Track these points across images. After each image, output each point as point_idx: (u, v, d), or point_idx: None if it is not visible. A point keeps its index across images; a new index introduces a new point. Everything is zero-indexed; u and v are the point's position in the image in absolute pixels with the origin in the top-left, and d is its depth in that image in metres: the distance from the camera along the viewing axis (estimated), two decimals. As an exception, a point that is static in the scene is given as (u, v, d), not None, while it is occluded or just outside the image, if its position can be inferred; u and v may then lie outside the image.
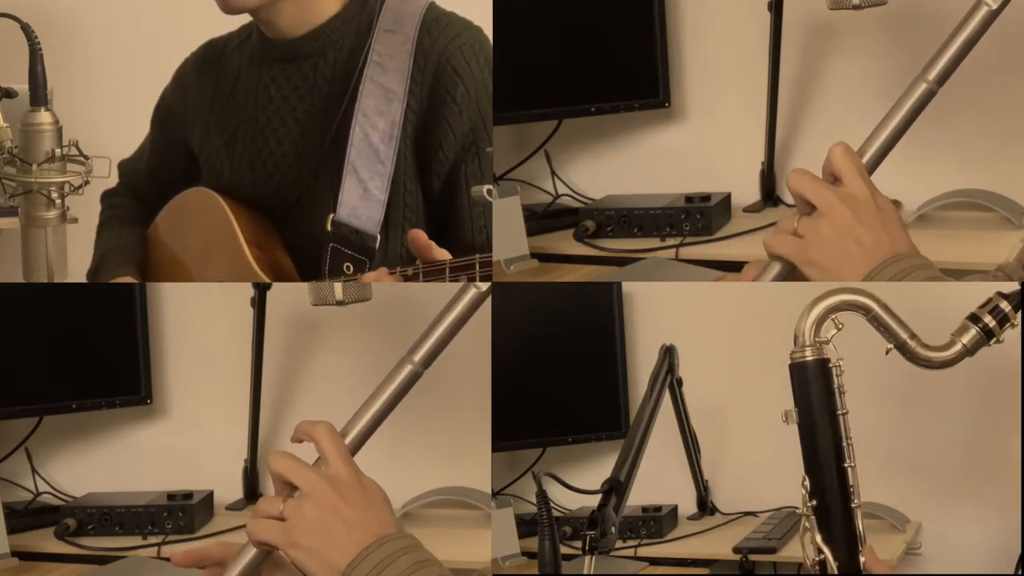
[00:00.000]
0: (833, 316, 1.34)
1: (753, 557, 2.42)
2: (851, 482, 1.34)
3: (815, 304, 1.34)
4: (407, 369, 1.32)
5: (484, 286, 1.33)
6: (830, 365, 1.34)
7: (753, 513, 2.64)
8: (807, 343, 1.34)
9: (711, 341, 2.65)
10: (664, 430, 2.45)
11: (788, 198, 2.65)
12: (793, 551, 2.43)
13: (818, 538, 1.34)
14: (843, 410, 1.34)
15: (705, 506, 2.68)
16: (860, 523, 1.34)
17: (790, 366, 1.35)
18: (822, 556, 1.33)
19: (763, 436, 2.67)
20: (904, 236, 1.32)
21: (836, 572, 1.32)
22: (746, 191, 2.68)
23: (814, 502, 1.34)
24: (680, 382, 2.46)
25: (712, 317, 2.66)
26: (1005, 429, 2.45)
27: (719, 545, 2.51)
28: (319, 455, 1.28)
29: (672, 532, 2.61)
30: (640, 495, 2.29)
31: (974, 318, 1.35)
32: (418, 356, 1.32)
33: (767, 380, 2.66)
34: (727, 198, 2.65)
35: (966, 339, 1.35)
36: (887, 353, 1.35)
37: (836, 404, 1.34)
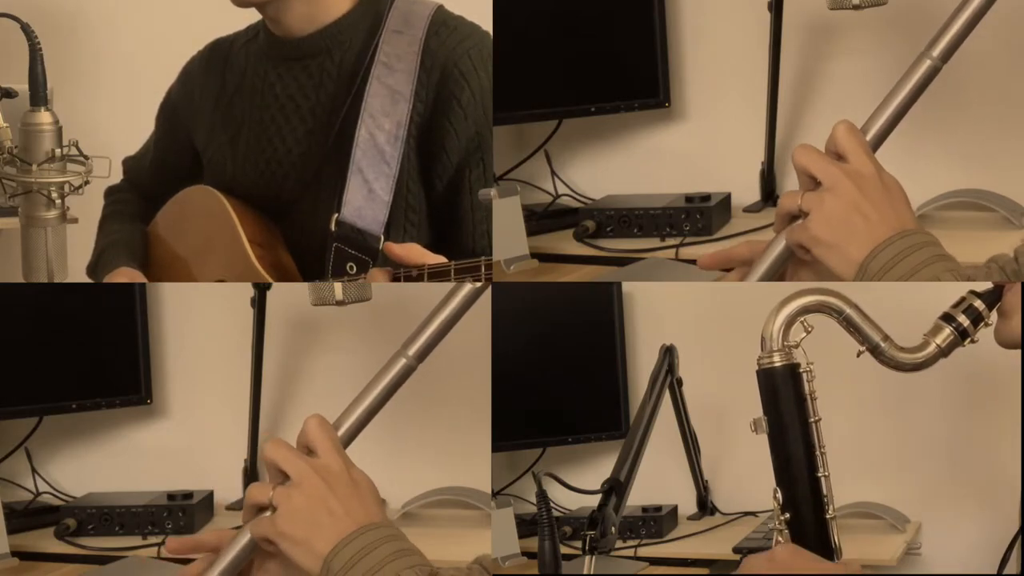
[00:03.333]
0: (802, 319, 1.30)
1: (753, 557, 2.42)
2: (825, 492, 1.30)
3: (783, 306, 1.30)
4: (401, 363, 1.33)
5: (479, 281, 1.34)
6: (800, 370, 1.31)
7: (753, 513, 2.64)
8: (775, 347, 1.30)
9: (711, 341, 2.65)
10: (664, 430, 2.45)
11: (788, 198, 2.65)
12: (793, 551, 2.43)
13: None
14: (815, 417, 1.30)
15: (705, 506, 2.68)
16: (835, 535, 1.31)
17: (757, 372, 1.32)
18: None
19: (763, 436, 2.67)
20: (910, 213, 1.30)
21: None
22: (746, 191, 2.68)
23: (787, 515, 1.30)
24: (680, 382, 2.46)
25: (712, 317, 2.66)
26: (1005, 429, 2.45)
27: (719, 545, 2.51)
28: (310, 446, 1.29)
29: (672, 532, 2.61)
30: (640, 495, 2.30)
31: (947, 318, 1.32)
32: (412, 350, 1.33)
33: (767, 380, 2.67)
34: (727, 198, 2.65)
35: (940, 339, 1.31)
36: (858, 356, 1.32)
37: (808, 411, 1.30)
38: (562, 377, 2.69)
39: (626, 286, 2.70)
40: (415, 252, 1.68)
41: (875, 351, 1.31)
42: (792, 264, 1.35)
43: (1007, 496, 2.43)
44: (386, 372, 1.33)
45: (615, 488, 1.96)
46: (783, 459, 1.31)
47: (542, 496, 1.89)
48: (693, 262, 2.51)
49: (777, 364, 1.30)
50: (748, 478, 2.67)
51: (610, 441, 2.67)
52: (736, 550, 2.44)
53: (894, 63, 2.49)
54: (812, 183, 1.31)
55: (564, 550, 2.15)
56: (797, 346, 1.30)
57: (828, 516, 1.30)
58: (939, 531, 2.54)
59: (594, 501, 1.96)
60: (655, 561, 2.51)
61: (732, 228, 2.61)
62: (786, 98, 2.63)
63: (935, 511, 2.54)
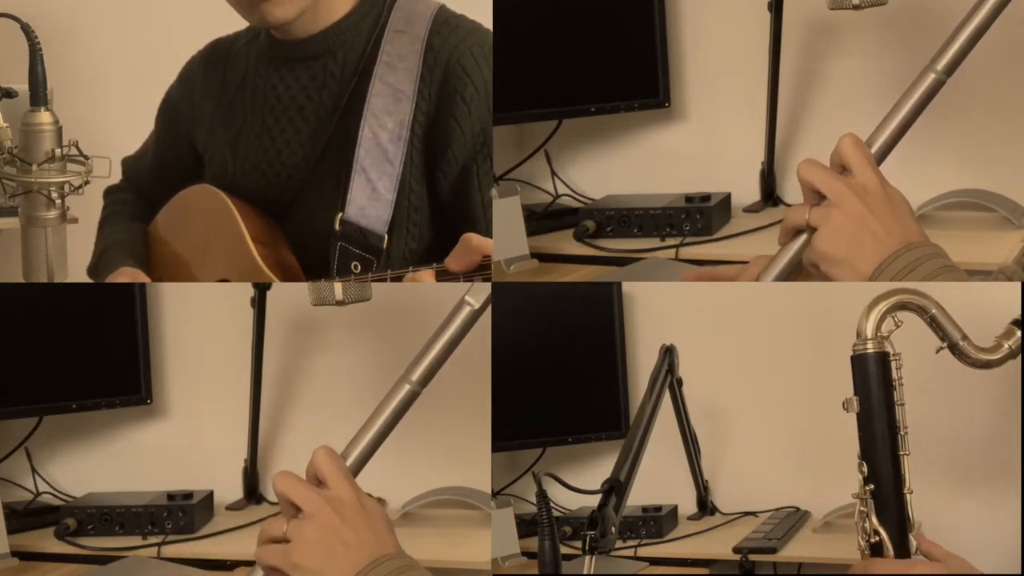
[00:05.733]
0: (893, 314, 1.42)
1: (753, 557, 2.42)
2: (904, 470, 1.43)
3: (877, 302, 1.41)
4: (405, 389, 1.34)
5: (478, 302, 1.35)
6: (890, 358, 1.42)
7: (753, 513, 2.64)
8: (869, 337, 1.42)
9: (711, 341, 2.65)
10: (664, 430, 2.45)
11: (788, 198, 2.65)
12: (793, 551, 2.43)
13: (874, 520, 1.42)
14: (900, 401, 1.43)
15: (705, 506, 2.68)
16: (911, 508, 1.43)
17: (852, 358, 1.43)
18: (877, 538, 1.42)
19: (763, 436, 2.67)
20: (915, 225, 1.32)
21: (892, 552, 1.42)
22: (746, 191, 2.68)
23: (871, 487, 1.42)
24: (680, 382, 2.46)
25: (712, 317, 2.66)
26: (1006, 429, 2.45)
27: (719, 545, 2.50)
28: (320, 477, 1.28)
29: (672, 532, 2.61)
30: (640, 495, 2.29)
31: (1018, 323, 1.44)
32: (415, 376, 1.34)
33: (767, 380, 2.67)
34: (727, 198, 2.65)
35: (1011, 342, 1.44)
36: (937, 352, 1.44)
37: (894, 395, 1.42)
38: (562, 377, 2.69)
39: (626, 286, 2.70)
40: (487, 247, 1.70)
41: (954, 348, 1.44)
42: (801, 276, 1.37)
43: (1008, 496, 2.43)
44: (390, 400, 1.34)
45: (615, 488, 1.96)
46: (870, 436, 1.44)
47: (542, 496, 1.89)
48: (693, 262, 2.51)
49: (870, 350, 1.42)
50: (748, 478, 2.67)
51: (610, 441, 2.67)
52: (736, 550, 2.44)
53: (894, 63, 2.51)
54: (817, 197, 1.33)
55: (564, 550, 2.14)
56: (887, 337, 1.43)
57: (905, 491, 1.43)
58: (939, 531, 2.53)
59: (594, 501, 1.96)
60: (655, 561, 2.51)
61: (732, 228, 2.61)
62: (786, 98, 2.63)
63: (935, 511, 2.54)
